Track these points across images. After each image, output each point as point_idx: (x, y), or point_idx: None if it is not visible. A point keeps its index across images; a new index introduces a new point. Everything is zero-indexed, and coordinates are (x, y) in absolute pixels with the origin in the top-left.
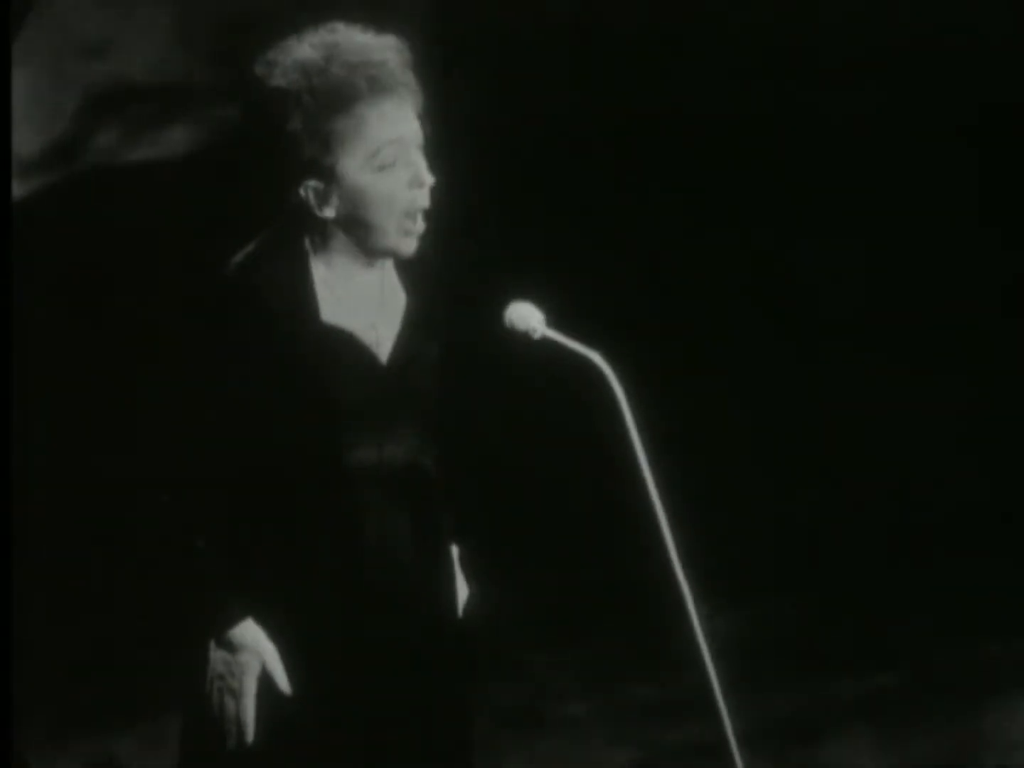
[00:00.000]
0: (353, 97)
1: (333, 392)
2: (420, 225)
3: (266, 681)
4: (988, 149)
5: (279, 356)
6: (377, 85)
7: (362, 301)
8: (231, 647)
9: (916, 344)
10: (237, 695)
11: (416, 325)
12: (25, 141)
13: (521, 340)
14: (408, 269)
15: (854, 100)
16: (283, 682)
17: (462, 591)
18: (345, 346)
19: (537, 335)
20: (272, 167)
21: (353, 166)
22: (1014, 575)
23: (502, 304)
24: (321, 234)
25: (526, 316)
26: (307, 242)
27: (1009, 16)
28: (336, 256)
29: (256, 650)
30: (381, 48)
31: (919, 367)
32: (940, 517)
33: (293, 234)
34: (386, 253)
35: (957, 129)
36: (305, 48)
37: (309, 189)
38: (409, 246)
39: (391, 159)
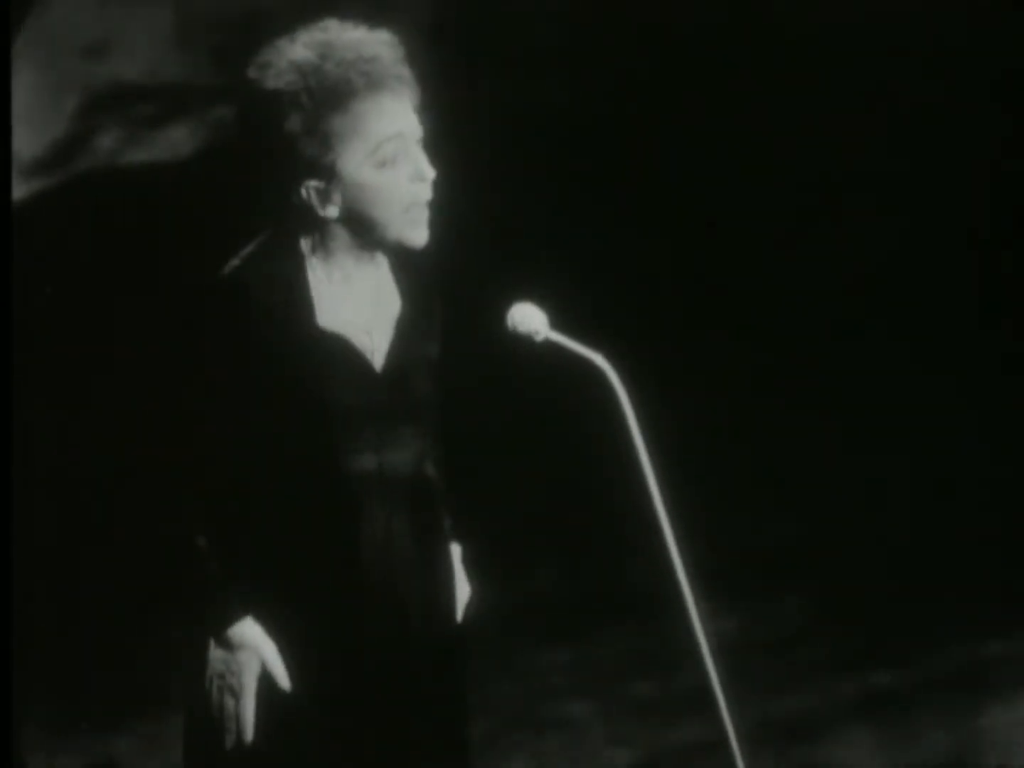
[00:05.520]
0: (350, 94)
1: (328, 398)
2: (426, 216)
3: (266, 680)
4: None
5: (274, 361)
6: (373, 81)
7: (357, 306)
8: (231, 646)
9: (921, 347)
10: (237, 694)
11: (411, 330)
12: (25, 142)
13: (524, 342)
14: (405, 272)
15: (857, 104)
16: (283, 680)
17: (462, 591)
18: (339, 352)
19: (540, 337)
20: (271, 169)
21: (353, 163)
22: (1014, 574)
23: (505, 306)
24: (320, 235)
25: (529, 318)
26: (304, 244)
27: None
28: (335, 258)
29: (256, 649)
30: (374, 43)
31: (922, 369)
32: (940, 517)
33: (291, 236)
34: (394, 246)
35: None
36: (298, 48)
37: (311, 189)
38: (419, 237)
39: (391, 154)
